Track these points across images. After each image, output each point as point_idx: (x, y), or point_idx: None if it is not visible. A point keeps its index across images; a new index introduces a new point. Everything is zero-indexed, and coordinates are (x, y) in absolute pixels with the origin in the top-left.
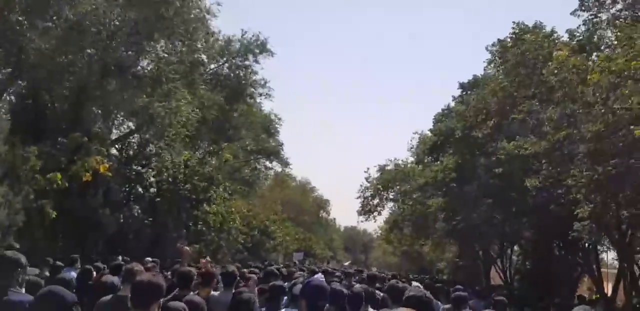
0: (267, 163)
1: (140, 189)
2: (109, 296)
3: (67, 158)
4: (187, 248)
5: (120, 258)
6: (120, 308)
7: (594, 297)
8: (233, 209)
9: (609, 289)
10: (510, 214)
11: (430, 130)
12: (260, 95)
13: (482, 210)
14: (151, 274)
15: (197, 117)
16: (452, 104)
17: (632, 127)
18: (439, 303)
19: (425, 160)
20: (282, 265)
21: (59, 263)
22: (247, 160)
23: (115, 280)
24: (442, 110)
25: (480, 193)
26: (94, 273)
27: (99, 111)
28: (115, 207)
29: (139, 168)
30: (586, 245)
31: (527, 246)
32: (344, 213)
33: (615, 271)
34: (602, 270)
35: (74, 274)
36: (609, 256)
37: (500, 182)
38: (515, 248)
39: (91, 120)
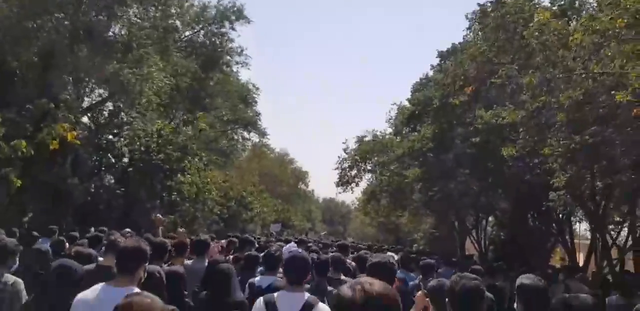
0: (245, 133)
1: (112, 158)
2: (91, 265)
3: (33, 125)
4: (160, 216)
5: (92, 229)
6: (102, 278)
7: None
8: (209, 180)
9: (581, 259)
10: (486, 185)
11: (408, 100)
12: (237, 63)
13: (458, 181)
14: (135, 240)
15: (170, 84)
16: (431, 73)
17: (612, 92)
18: (412, 274)
19: (404, 131)
20: (259, 236)
21: (35, 233)
22: (224, 131)
23: (91, 251)
24: (420, 79)
25: (457, 163)
26: (67, 244)
27: (70, 78)
28: (85, 176)
29: (110, 137)
30: (560, 215)
31: (501, 218)
32: (323, 185)
33: (588, 242)
34: (574, 241)
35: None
36: (581, 228)
37: (477, 152)
38: (490, 219)
39: (59, 86)
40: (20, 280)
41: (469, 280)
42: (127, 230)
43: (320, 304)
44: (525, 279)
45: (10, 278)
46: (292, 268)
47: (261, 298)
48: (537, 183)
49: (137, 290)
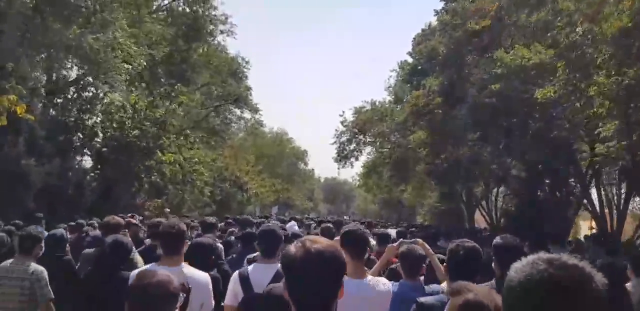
0: (237, 111)
1: (81, 137)
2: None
3: None
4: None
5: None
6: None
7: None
8: (196, 159)
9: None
10: (498, 150)
11: (410, 54)
12: (222, 32)
13: (468, 145)
14: (174, 222)
15: (140, 50)
16: (435, 22)
17: None
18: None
19: (404, 94)
20: (258, 217)
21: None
22: (217, 105)
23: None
24: (423, 30)
25: (470, 119)
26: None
27: (40, 52)
28: (44, 157)
29: (79, 114)
30: (587, 178)
31: (514, 185)
32: (324, 165)
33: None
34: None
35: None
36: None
37: (498, 102)
38: (502, 189)
39: (7, 53)
40: (42, 268)
41: (467, 242)
42: (132, 215)
43: None
44: (499, 239)
45: (33, 266)
46: (263, 241)
47: (237, 272)
48: (563, 141)
49: (186, 266)
